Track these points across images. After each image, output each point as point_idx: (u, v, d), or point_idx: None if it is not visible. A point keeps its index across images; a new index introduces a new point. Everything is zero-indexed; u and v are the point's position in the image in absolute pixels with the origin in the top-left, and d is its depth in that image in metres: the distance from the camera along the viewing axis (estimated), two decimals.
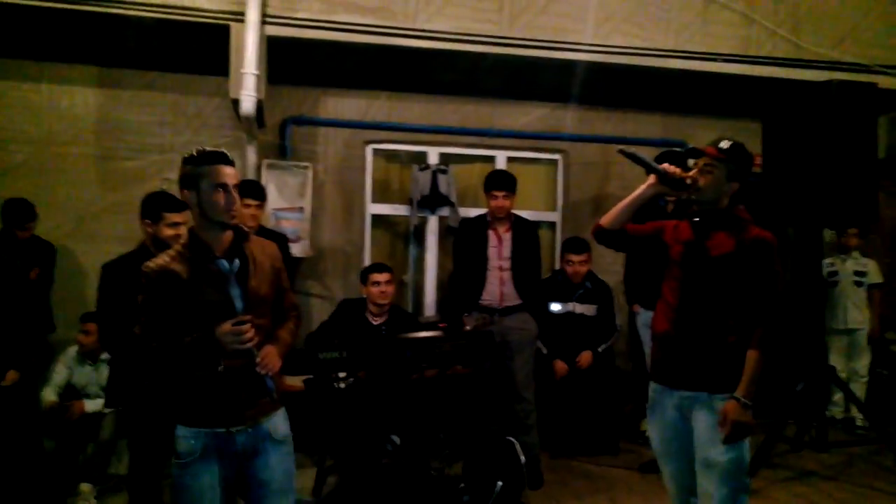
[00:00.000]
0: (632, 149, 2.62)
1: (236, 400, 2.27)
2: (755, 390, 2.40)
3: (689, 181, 2.56)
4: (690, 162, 3.68)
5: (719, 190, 2.53)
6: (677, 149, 5.12)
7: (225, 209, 2.24)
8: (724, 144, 2.56)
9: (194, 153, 2.28)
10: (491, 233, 4.43)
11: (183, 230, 3.26)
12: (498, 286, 4.37)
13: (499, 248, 4.40)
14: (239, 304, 2.24)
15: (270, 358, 2.29)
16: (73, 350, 4.36)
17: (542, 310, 4.68)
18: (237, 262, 2.28)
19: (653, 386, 2.70)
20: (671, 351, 2.60)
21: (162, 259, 2.26)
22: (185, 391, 2.28)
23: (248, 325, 2.17)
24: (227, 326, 2.15)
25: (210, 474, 2.25)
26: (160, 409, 3.17)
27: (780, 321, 2.43)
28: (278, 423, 2.37)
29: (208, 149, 2.28)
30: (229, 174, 2.25)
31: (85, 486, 3.90)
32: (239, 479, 2.34)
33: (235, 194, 2.27)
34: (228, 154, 2.29)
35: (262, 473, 2.33)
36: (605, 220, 2.71)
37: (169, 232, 3.23)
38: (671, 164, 2.71)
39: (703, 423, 2.47)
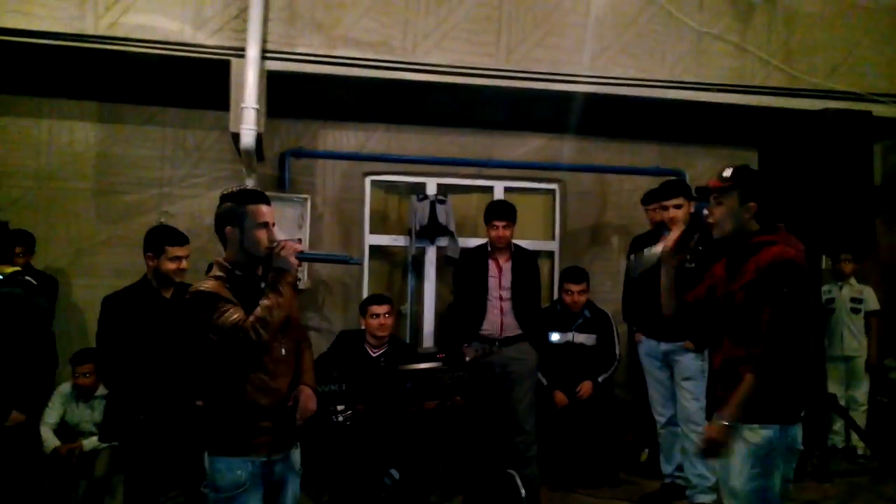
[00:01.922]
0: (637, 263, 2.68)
1: (279, 430, 2.38)
2: (746, 414, 2.36)
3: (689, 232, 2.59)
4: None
5: (738, 217, 2.49)
6: (673, 178, 5.16)
7: (266, 246, 2.37)
8: (727, 172, 2.53)
9: (234, 191, 2.43)
10: (491, 262, 4.43)
11: (185, 264, 3.28)
12: (498, 316, 4.36)
13: (499, 277, 4.40)
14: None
15: (308, 401, 2.46)
16: (66, 387, 4.30)
17: (542, 340, 4.66)
18: None
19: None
20: (713, 381, 2.63)
21: (210, 282, 2.37)
22: (235, 420, 2.34)
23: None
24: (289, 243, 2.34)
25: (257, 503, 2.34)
26: (155, 444, 3.16)
27: (788, 345, 2.35)
28: (297, 455, 2.53)
29: (247, 188, 2.46)
30: (269, 213, 2.40)
31: None
32: None
33: (273, 232, 2.41)
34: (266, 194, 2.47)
35: (282, 502, 2.46)
36: (665, 311, 2.73)
37: (171, 266, 3.24)
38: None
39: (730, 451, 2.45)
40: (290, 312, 2.44)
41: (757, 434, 2.38)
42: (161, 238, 3.28)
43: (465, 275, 4.56)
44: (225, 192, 2.45)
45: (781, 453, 2.42)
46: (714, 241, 2.59)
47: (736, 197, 2.48)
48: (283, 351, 2.43)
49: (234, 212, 2.38)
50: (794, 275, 2.37)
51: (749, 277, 2.42)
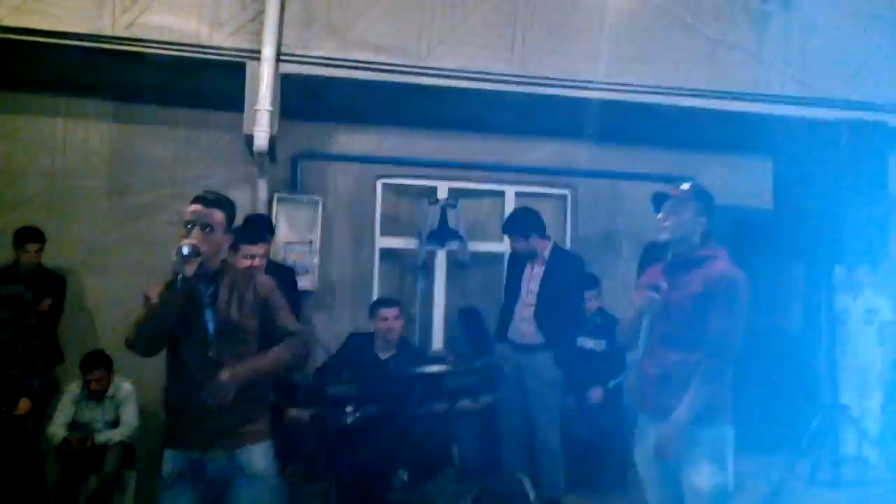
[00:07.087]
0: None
1: (208, 426, 2.34)
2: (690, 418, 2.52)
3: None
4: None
5: (692, 227, 2.66)
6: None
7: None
8: (685, 186, 2.74)
9: None
10: (528, 266, 4.42)
11: None
12: (519, 322, 4.33)
13: (529, 281, 4.38)
14: (211, 326, 2.39)
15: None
16: (74, 387, 4.30)
17: (568, 350, 4.49)
18: (210, 289, 2.42)
19: (640, 416, 2.82)
20: (650, 385, 2.71)
21: (159, 287, 2.37)
22: (171, 413, 2.45)
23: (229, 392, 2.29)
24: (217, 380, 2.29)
25: (186, 498, 2.36)
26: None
27: (730, 355, 2.54)
28: (254, 456, 2.40)
29: (202, 193, 2.47)
30: (201, 213, 2.39)
31: None
32: None
33: (200, 232, 2.35)
34: (208, 196, 2.45)
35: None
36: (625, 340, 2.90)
37: None
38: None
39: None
40: (239, 318, 2.41)
41: (708, 431, 2.54)
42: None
43: (507, 277, 4.63)
44: None
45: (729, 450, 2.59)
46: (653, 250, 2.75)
47: (692, 208, 2.65)
48: (213, 353, 2.36)
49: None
50: (741, 290, 2.56)
51: (696, 289, 2.58)
